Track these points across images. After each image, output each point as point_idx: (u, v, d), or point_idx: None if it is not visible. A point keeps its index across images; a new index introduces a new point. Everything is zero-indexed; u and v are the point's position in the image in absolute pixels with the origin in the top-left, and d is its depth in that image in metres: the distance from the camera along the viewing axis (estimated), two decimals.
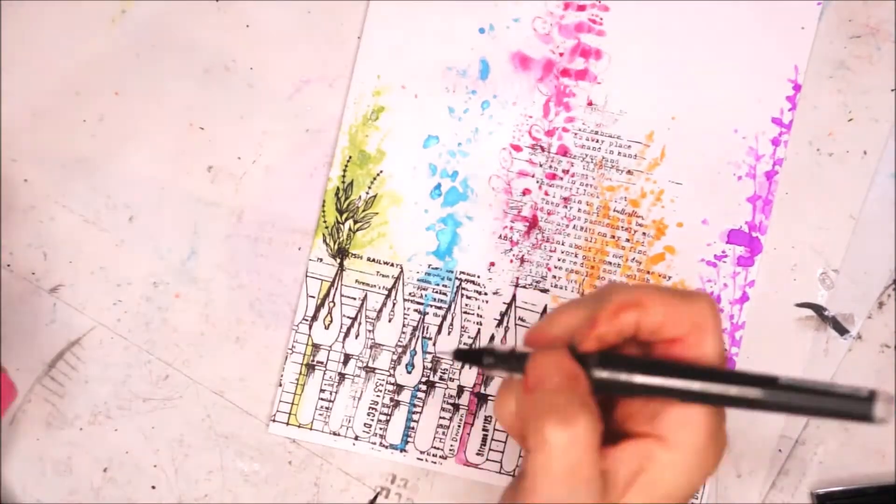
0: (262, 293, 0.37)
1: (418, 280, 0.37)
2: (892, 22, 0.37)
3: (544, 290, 0.37)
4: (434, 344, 0.37)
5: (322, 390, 0.37)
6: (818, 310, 0.37)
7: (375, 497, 0.37)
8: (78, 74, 0.37)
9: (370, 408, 0.37)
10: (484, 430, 0.37)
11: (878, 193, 0.37)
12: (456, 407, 0.37)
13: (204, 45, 0.37)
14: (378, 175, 0.37)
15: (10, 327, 0.37)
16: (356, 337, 0.37)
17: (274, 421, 0.37)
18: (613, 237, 0.37)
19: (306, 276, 0.37)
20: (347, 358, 0.37)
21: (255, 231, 0.37)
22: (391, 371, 0.37)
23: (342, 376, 0.37)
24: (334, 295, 0.37)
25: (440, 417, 0.37)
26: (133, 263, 0.37)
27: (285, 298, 0.37)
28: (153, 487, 0.37)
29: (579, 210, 0.37)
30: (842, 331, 0.37)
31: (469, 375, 0.37)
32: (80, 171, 0.37)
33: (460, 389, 0.37)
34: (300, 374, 0.37)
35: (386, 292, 0.37)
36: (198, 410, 0.37)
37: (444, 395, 0.37)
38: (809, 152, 0.37)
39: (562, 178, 0.37)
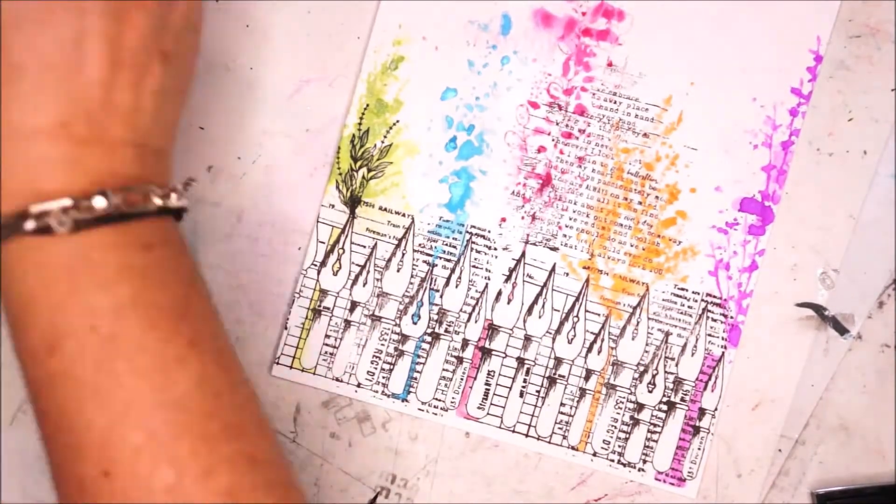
0: (262, 293, 0.37)
1: (429, 232, 0.37)
2: (892, 22, 0.37)
3: (554, 249, 0.37)
4: (441, 296, 0.37)
5: (327, 336, 0.37)
6: (818, 310, 0.37)
7: (375, 497, 0.37)
8: None
9: (374, 356, 0.37)
10: (486, 384, 0.37)
11: (878, 193, 0.37)
12: (459, 360, 0.37)
13: (204, 45, 0.37)
14: (394, 125, 0.37)
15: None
16: (364, 285, 0.37)
17: (277, 363, 0.37)
18: (626, 199, 0.37)
19: (317, 221, 0.37)
20: (354, 305, 0.37)
21: (255, 231, 0.37)
22: (397, 321, 0.37)
23: (348, 323, 0.37)
24: (344, 242, 0.37)
25: (443, 370, 0.37)
26: None
27: (285, 299, 0.37)
28: None
29: (593, 170, 0.37)
30: (842, 331, 0.37)
31: (474, 329, 0.37)
32: None
33: (465, 343, 0.37)
34: (306, 318, 0.37)
35: (396, 242, 0.37)
36: None
37: (449, 347, 0.37)
38: (809, 152, 0.37)
39: (577, 138, 0.37)
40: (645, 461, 0.37)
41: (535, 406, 0.37)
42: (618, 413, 0.37)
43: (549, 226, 0.37)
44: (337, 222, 0.37)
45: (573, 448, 0.37)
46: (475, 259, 0.37)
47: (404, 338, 0.37)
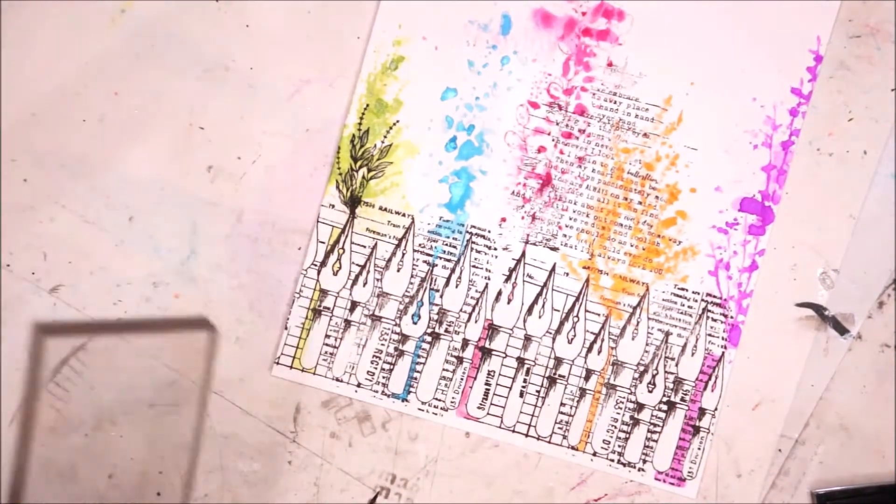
0: (262, 293, 0.37)
1: (429, 231, 0.37)
2: (892, 22, 0.37)
3: (554, 249, 0.37)
4: (441, 296, 0.37)
5: (327, 336, 0.37)
6: (818, 310, 0.37)
7: (375, 497, 0.37)
8: (78, 74, 0.37)
9: (374, 356, 0.37)
10: (486, 384, 0.37)
11: (878, 193, 0.37)
12: (459, 360, 0.37)
13: (204, 45, 0.37)
14: (394, 125, 0.37)
15: (9, 327, 0.37)
16: (364, 285, 0.37)
17: (278, 363, 0.37)
18: (626, 199, 0.37)
19: (317, 221, 0.37)
20: (354, 305, 0.37)
21: (255, 231, 0.37)
22: (397, 321, 0.37)
23: (348, 323, 0.37)
24: (344, 242, 0.37)
25: (443, 370, 0.37)
26: (133, 263, 0.37)
27: (285, 299, 0.37)
28: (158, 494, 0.37)
29: (593, 170, 0.37)
30: (842, 331, 0.37)
31: (474, 329, 0.37)
32: (80, 171, 0.37)
33: (465, 343, 0.37)
34: (306, 318, 0.37)
35: (396, 242, 0.37)
36: (198, 411, 0.37)
37: (449, 347, 0.37)
38: (809, 152, 0.37)
39: (577, 138, 0.37)
40: (645, 461, 0.37)
41: (535, 406, 0.37)
42: (618, 413, 0.37)
43: (549, 226, 0.37)
44: (337, 222, 0.37)
45: (573, 448, 0.37)
46: (475, 259, 0.37)
47: (404, 338, 0.37)
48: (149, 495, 0.37)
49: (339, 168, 0.37)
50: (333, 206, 0.37)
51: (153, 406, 0.37)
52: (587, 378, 0.37)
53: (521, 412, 0.37)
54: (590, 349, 0.37)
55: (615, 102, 0.37)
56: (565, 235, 0.37)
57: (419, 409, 0.37)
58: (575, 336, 0.37)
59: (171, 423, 0.37)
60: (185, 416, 0.37)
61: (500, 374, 0.37)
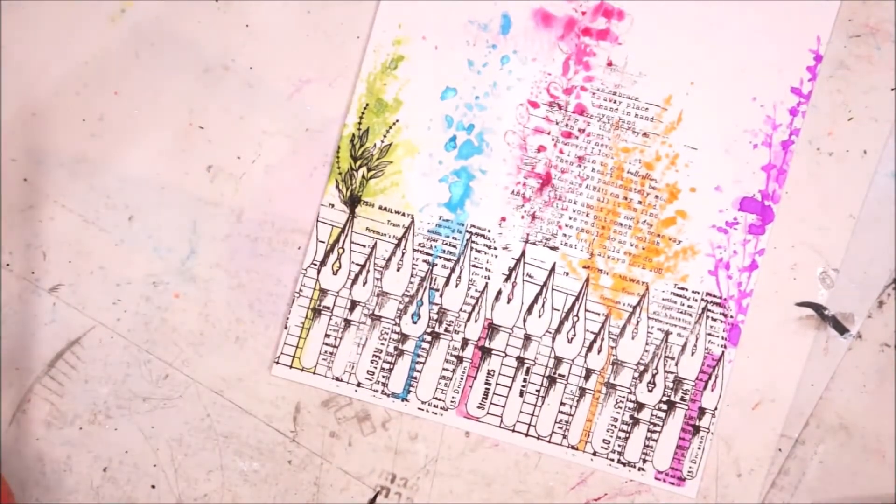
0: (262, 293, 0.37)
1: (429, 231, 0.37)
2: (892, 22, 0.37)
3: (554, 248, 0.37)
4: (441, 296, 0.37)
5: (327, 335, 0.37)
6: (818, 309, 0.37)
7: (375, 497, 0.37)
8: (78, 74, 0.37)
9: (374, 355, 0.37)
10: (486, 383, 0.37)
11: (878, 193, 0.37)
12: (459, 359, 0.37)
13: (204, 45, 0.37)
14: (394, 124, 0.37)
15: (10, 327, 0.37)
16: (364, 284, 0.37)
17: (277, 363, 0.37)
18: (626, 199, 0.37)
19: (317, 220, 0.37)
20: (354, 304, 0.37)
21: (254, 231, 0.37)
22: (397, 320, 0.37)
23: (348, 322, 0.37)
24: (344, 241, 0.37)
25: (443, 369, 0.37)
26: (133, 263, 0.37)
27: (285, 298, 0.37)
28: (153, 487, 0.37)
29: (593, 170, 0.37)
30: (842, 330, 0.37)
31: (474, 329, 0.37)
32: (80, 171, 0.37)
33: (465, 342, 0.37)
34: (306, 317, 0.37)
35: (396, 241, 0.37)
36: (198, 410, 0.37)
37: (449, 346, 0.37)
38: (809, 152, 0.37)
39: (577, 137, 0.37)
40: (645, 461, 0.37)
41: (535, 405, 0.37)
42: (618, 412, 0.37)
43: (548, 225, 0.37)
44: (337, 222, 0.37)
45: (573, 447, 0.37)
46: (475, 258, 0.37)
47: (404, 337, 0.37)
48: (143, 487, 0.37)
49: (338, 168, 0.37)
50: (333, 206, 0.37)
51: (147, 400, 0.37)
52: (587, 377, 0.37)
53: (520, 412, 0.37)
54: (590, 349, 0.37)
55: (615, 102, 0.37)
56: (565, 235, 0.37)
57: (419, 409, 0.37)
58: (575, 335, 0.37)
59: (164, 416, 0.37)
60: (178, 410, 0.37)
61: (499, 374, 0.37)
